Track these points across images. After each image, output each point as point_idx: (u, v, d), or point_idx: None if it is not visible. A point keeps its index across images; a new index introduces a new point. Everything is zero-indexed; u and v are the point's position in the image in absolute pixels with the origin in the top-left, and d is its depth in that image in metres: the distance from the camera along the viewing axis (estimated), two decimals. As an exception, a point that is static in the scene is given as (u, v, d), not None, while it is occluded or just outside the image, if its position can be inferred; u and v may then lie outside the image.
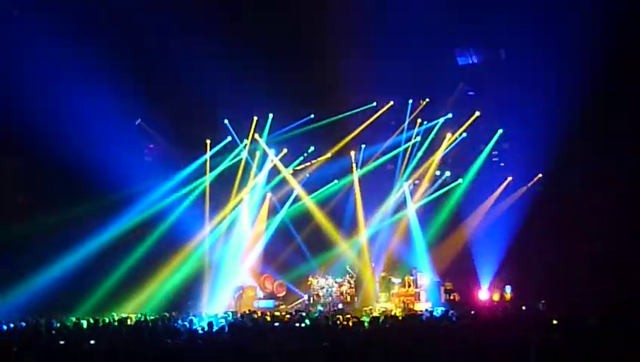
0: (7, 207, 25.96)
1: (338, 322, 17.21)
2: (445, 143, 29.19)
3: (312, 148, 29.59)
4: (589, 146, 25.60)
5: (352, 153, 29.47)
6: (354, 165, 29.57)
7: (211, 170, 28.88)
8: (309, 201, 29.60)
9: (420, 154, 29.55)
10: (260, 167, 29.66)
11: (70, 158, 24.38)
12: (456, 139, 29.06)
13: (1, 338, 15.29)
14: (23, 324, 17.80)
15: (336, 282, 27.59)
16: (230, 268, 28.18)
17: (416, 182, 30.05)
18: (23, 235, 24.31)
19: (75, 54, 23.77)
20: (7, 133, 24.39)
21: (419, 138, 29.45)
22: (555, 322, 14.51)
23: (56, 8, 23.36)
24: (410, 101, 28.94)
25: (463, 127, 28.75)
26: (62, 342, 14.03)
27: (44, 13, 23.33)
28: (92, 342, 14.03)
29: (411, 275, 27.38)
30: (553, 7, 24.23)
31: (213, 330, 15.78)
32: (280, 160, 29.61)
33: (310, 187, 30.00)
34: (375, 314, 22.78)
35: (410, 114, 29.16)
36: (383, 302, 26.73)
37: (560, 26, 23.85)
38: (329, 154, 29.67)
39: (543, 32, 24.58)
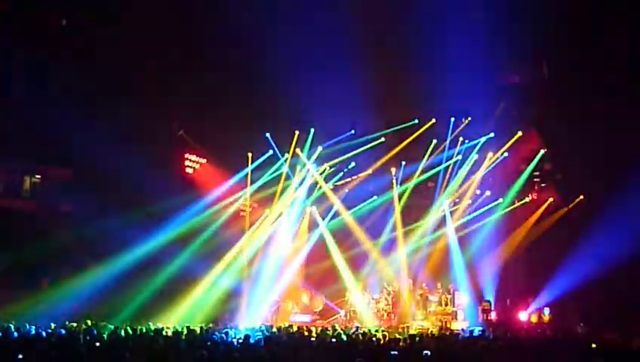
0: (52, 216, 26.31)
1: (374, 339, 17.19)
2: (486, 162, 29.02)
3: (352, 164, 29.60)
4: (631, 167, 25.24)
5: (393, 170, 29.41)
6: (394, 182, 29.53)
7: (252, 183, 28.95)
8: (348, 217, 29.59)
9: (460, 172, 29.41)
10: (301, 182, 29.70)
11: (113, 170, 24.68)
12: (498, 158, 28.85)
13: (41, 345, 15.45)
14: (62, 331, 17.97)
15: (373, 298, 27.53)
16: (268, 282, 28.21)
17: (457, 200, 29.93)
18: (65, 245, 24.65)
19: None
20: (57, 145, 24.75)
21: (460, 156, 29.34)
22: (594, 346, 14.37)
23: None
24: (452, 119, 28.84)
25: (505, 147, 28.55)
26: (100, 351, 14.19)
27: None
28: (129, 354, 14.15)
29: (449, 294, 27.25)
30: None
31: (250, 343, 15.84)
32: (320, 175, 29.64)
33: (350, 202, 30.02)
34: (411, 331, 22.71)
35: (452, 132, 29.06)
36: (419, 320, 26.59)
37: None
38: (370, 171, 29.65)
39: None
